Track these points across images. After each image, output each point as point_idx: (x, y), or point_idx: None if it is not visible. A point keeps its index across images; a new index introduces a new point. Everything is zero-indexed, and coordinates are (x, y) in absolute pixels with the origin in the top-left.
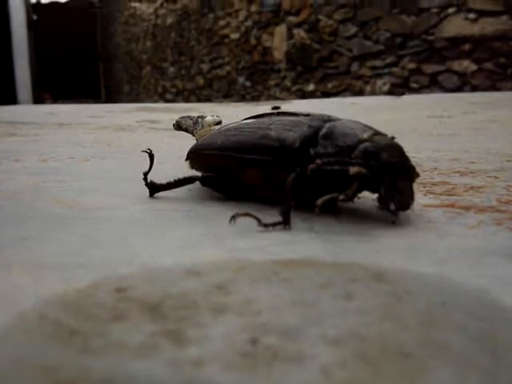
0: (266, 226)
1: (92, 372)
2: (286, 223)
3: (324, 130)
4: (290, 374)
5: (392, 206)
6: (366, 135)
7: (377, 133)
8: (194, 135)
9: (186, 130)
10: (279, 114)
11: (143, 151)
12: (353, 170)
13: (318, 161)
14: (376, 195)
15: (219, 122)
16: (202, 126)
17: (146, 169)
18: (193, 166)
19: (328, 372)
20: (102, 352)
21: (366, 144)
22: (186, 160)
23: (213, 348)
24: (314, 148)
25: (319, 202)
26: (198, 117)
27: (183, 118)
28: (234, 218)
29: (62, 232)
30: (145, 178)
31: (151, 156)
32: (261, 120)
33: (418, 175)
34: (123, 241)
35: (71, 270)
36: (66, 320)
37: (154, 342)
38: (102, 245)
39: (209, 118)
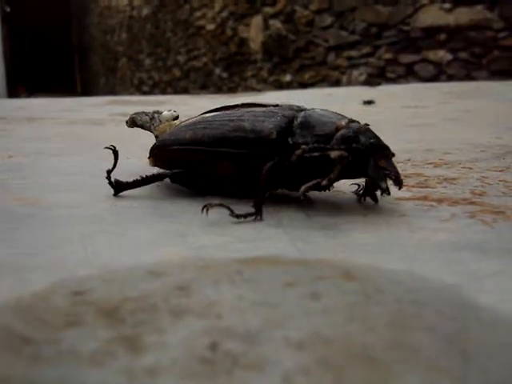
0: (237, 216)
1: (41, 383)
2: (258, 214)
3: (299, 120)
4: (250, 381)
5: (383, 185)
6: (343, 122)
7: (352, 120)
8: (151, 131)
9: (142, 127)
10: (245, 105)
11: (107, 148)
12: (334, 153)
13: (304, 146)
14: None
15: (176, 117)
16: (160, 122)
17: (111, 166)
18: (156, 163)
19: (290, 379)
20: (54, 361)
21: (343, 130)
22: (149, 157)
23: (170, 355)
24: (291, 138)
25: (303, 188)
26: (154, 112)
27: (138, 113)
28: (206, 208)
29: (21, 231)
30: (108, 177)
31: (115, 153)
32: (229, 112)
33: (393, 154)
34: (84, 240)
35: (28, 273)
36: (19, 327)
37: (109, 349)
38: (62, 245)
39: (166, 113)
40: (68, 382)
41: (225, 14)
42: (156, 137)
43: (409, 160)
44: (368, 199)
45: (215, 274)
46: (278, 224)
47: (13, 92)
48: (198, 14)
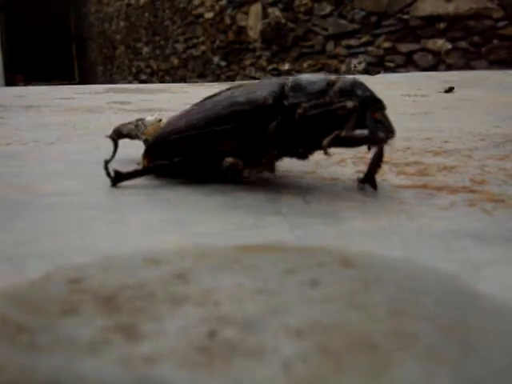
0: (250, 169)
1: (36, 372)
2: (271, 170)
3: (290, 84)
4: (249, 370)
5: (381, 135)
6: (333, 78)
7: (340, 76)
8: (139, 138)
9: (128, 136)
10: (230, 89)
11: (107, 137)
12: (350, 104)
13: (304, 104)
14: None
15: (160, 121)
16: (146, 127)
17: (109, 157)
18: (153, 161)
19: (289, 367)
20: (49, 349)
21: (339, 84)
22: (145, 157)
23: (168, 343)
24: (286, 100)
25: (325, 142)
26: (138, 120)
27: (122, 124)
28: (223, 166)
29: (18, 220)
30: (106, 167)
31: (115, 142)
32: (218, 95)
33: (385, 107)
34: (81, 228)
35: (24, 261)
36: (14, 315)
37: (106, 337)
38: (59, 232)
39: (149, 118)
40: (64, 370)
41: (223, 2)
42: (145, 140)
43: (408, 148)
44: (367, 187)
45: (214, 262)
46: (277, 211)
47: (11, 81)
48: (196, 1)
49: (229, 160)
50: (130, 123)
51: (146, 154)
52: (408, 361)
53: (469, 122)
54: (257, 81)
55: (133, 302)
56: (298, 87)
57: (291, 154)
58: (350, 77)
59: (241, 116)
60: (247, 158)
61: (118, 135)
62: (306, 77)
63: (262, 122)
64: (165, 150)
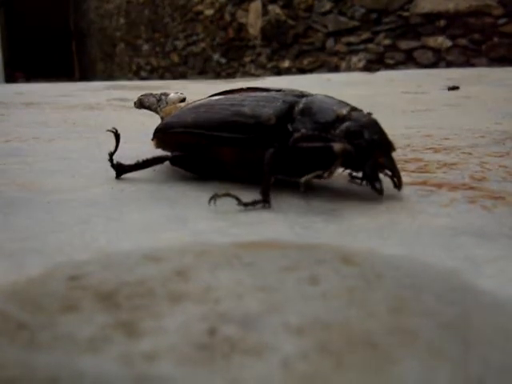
0: (245, 205)
1: (36, 369)
2: (266, 201)
3: (300, 106)
4: (249, 367)
5: (377, 185)
6: (344, 111)
7: (353, 108)
8: (157, 113)
9: (149, 108)
10: (249, 89)
11: (108, 131)
12: (337, 146)
13: (303, 130)
14: (352, 173)
15: (183, 99)
16: (167, 103)
17: (112, 149)
18: (159, 145)
19: (289, 365)
20: (49, 347)
21: (348, 123)
22: (153, 139)
23: (168, 340)
24: (291, 124)
25: (303, 180)
26: (161, 94)
27: (145, 95)
28: (213, 198)
29: (18, 216)
30: (110, 159)
31: (117, 136)
32: (231, 96)
33: (394, 149)
34: (81, 225)
35: (23, 257)
36: (14, 312)
37: (106, 334)
38: (59, 229)
39: (172, 95)
40: (64, 367)
41: None
42: (162, 118)
43: (408, 145)
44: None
45: (213, 259)
46: (277, 208)
47: (11, 78)
48: None
49: (221, 193)
50: (153, 96)
51: (155, 137)
52: (408, 358)
53: (469, 119)
54: (273, 90)
55: (132, 299)
56: (307, 112)
57: (287, 174)
58: (363, 114)
59: (243, 128)
60: (246, 171)
61: (140, 105)
62: (319, 101)
63: (263, 139)
64: (169, 140)
